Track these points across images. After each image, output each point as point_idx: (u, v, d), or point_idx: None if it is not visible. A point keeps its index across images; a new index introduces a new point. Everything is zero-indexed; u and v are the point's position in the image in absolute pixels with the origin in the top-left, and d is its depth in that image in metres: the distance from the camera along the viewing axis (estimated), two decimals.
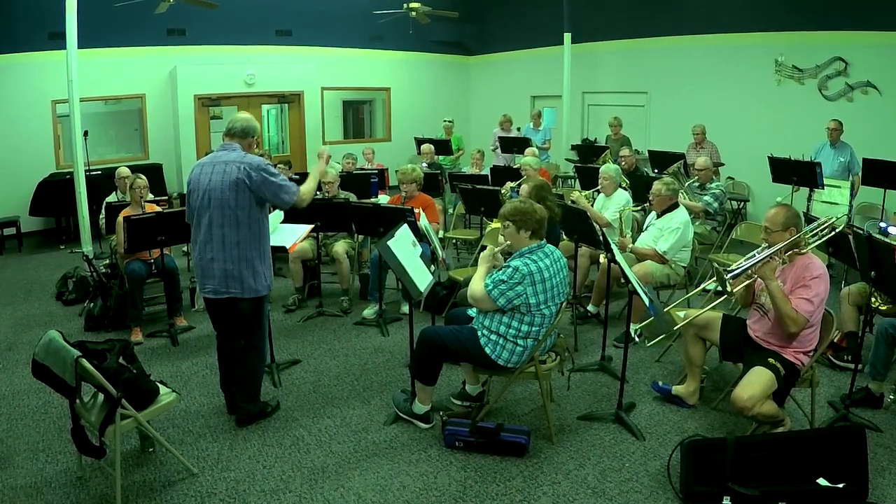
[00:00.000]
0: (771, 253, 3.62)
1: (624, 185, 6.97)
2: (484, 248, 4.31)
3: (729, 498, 3.19)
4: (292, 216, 4.96)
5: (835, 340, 4.79)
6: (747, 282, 3.80)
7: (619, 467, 3.69)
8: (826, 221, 4.07)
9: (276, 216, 4.93)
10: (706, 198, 6.84)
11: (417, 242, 4.29)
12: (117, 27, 10.33)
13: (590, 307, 5.95)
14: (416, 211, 5.55)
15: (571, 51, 11.43)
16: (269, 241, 4.01)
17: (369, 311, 6.11)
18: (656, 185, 5.52)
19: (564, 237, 5.72)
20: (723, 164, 8.99)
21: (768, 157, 7.68)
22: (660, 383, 4.50)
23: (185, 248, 7.08)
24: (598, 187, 6.64)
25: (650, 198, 5.59)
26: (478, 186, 6.93)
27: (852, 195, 7.22)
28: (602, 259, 5.58)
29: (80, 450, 3.36)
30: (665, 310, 4.66)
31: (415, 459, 3.77)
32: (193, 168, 3.91)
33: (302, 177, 8.19)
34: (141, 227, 5.30)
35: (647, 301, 3.91)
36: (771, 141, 8.71)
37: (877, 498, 3.33)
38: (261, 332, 4.11)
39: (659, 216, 5.56)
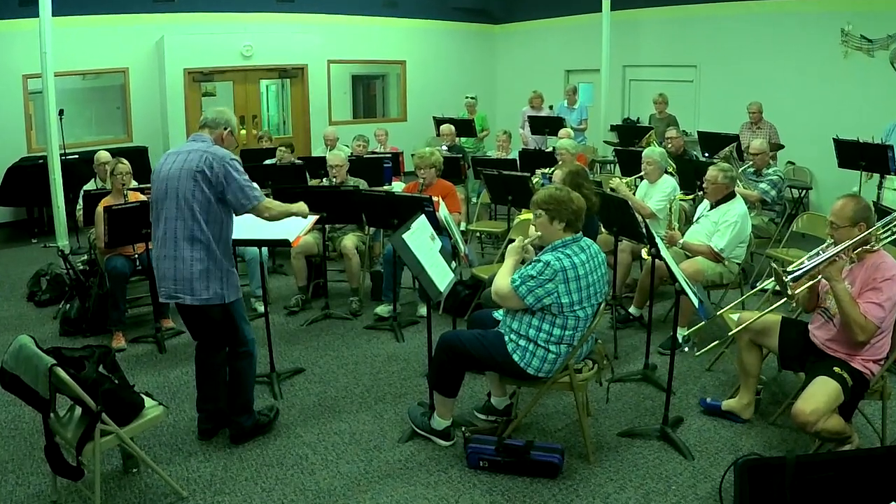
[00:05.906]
0: (837, 251, 3.57)
1: (670, 170, 6.92)
2: (511, 241, 4.29)
3: None
4: None
5: None
6: (810, 283, 3.76)
7: (665, 490, 3.67)
8: None
9: None
10: (763, 185, 6.77)
11: (436, 236, 4.29)
12: None
13: (631, 309, 5.93)
14: (434, 200, 5.55)
15: (611, 19, 11.32)
16: (230, 245, 3.97)
17: (382, 310, 6.13)
18: (712, 171, 5.46)
19: (603, 230, 5.69)
20: (782, 147, 8.92)
21: (833, 139, 7.63)
22: (708, 399, 4.47)
23: None
24: (641, 173, 6.61)
25: (704, 185, 5.54)
26: (505, 172, 6.91)
27: None
28: (645, 255, 5.55)
29: (55, 470, 3.38)
30: (717, 313, 4.62)
31: (434, 481, 3.77)
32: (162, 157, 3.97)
33: (306, 161, 8.28)
34: (123, 218, 5.33)
35: (696, 302, 3.88)
36: (836, 121, 8.61)
37: None
38: (240, 334, 4.08)
39: (713, 207, 5.51)
